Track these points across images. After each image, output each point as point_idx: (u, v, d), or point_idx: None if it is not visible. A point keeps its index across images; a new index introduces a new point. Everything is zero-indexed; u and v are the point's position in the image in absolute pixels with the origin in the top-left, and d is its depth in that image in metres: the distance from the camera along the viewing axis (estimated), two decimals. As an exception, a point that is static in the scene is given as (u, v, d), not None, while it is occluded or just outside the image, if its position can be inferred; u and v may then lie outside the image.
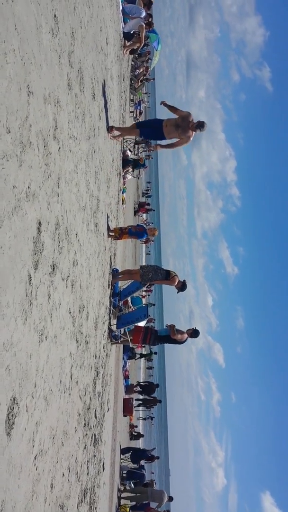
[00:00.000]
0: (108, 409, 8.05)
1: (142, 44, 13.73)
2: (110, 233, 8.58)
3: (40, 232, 3.26)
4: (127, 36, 12.74)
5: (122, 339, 9.07)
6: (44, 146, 3.45)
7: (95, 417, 6.10)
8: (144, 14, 12.75)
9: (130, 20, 12.39)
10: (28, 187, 2.99)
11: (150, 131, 7.88)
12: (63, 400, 3.99)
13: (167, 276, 8.71)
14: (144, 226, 11.05)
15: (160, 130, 7.56)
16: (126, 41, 12.96)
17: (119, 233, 8.90)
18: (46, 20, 3.69)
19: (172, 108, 7.63)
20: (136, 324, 9.44)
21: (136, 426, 20.92)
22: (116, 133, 8.57)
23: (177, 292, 8.99)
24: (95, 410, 6.11)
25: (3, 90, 2.55)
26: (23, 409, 2.79)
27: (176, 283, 8.74)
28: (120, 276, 9.30)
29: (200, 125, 7.27)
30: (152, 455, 18.78)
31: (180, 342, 8.98)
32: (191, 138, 7.50)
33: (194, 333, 8.91)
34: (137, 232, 9.68)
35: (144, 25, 12.67)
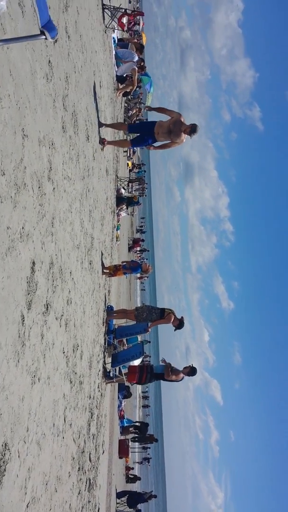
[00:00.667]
0: (103, 452, 7.82)
1: (135, 87, 14.14)
2: (105, 271, 8.59)
3: (34, 271, 3.26)
4: (120, 79, 13.15)
5: (117, 378, 8.92)
6: (39, 187, 3.50)
7: (90, 460, 5.92)
8: (136, 58, 13.18)
9: (123, 64, 12.80)
10: (22, 228, 3.01)
11: (140, 139, 7.74)
12: (56, 444, 3.88)
13: (162, 315, 8.63)
14: (139, 261, 11.06)
15: (152, 136, 7.41)
16: (119, 84, 13.37)
17: (113, 270, 8.93)
18: (40, 66, 3.81)
19: (160, 110, 7.49)
20: (130, 364, 9.31)
21: (132, 468, 20.28)
22: (109, 142, 8.60)
23: (174, 330, 8.90)
24: (90, 453, 5.94)
25: (-2, 134, 2.61)
26: (15, 454, 2.71)
27: (172, 321, 8.65)
28: (114, 314, 9.24)
29: (193, 130, 7.10)
30: (151, 494, 18.17)
31: (177, 381, 8.83)
32: (184, 141, 7.37)
33: (191, 372, 8.73)
34: (131, 267, 9.75)
35: (137, 68, 13.09)
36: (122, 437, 14.86)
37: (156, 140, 7.44)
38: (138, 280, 47.44)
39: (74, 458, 4.77)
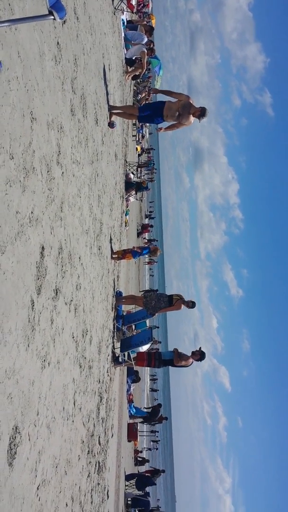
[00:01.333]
0: (112, 435, 7.90)
1: (144, 70, 13.94)
2: (113, 255, 8.60)
3: (43, 256, 3.25)
4: (129, 62, 12.97)
5: (126, 362, 8.96)
6: (48, 171, 3.47)
7: (99, 443, 5.98)
8: (145, 40, 12.98)
9: (132, 46, 12.61)
10: (31, 212, 2.99)
11: (149, 117, 7.58)
12: (66, 427, 3.91)
13: (171, 302, 8.61)
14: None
15: (161, 116, 7.27)
16: (129, 67, 13.19)
17: (122, 254, 8.98)
18: (49, 48, 3.75)
19: (167, 92, 7.35)
20: (138, 351, 9.34)
21: (141, 451, 20.52)
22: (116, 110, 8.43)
23: (189, 308, 8.90)
24: (99, 437, 5.99)
25: (7, 117, 2.58)
26: (26, 438, 2.73)
27: (181, 308, 8.61)
28: (123, 300, 9.24)
29: (202, 114, 7.01)
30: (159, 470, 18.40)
31: (185, 366, 8.85)
32: (192, 122, 7.24)
33: (200, 357, 8.73)
34: (140, 253, 9.78)
35: (146, 51, 12.90)
36: (131, 421, 15.00)
37: (165, 121, 7.36)
38: (147, 265, 47.53)
39: (83, 441, 4.82)
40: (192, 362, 8.81)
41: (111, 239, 8.44)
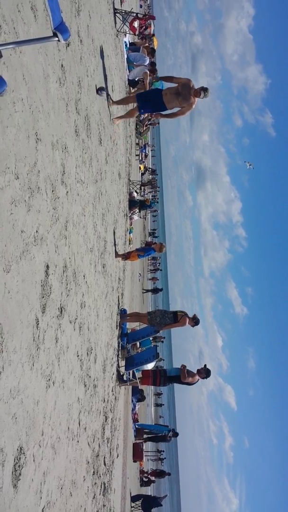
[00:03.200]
0: (118, 455, 7.80)
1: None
2: (119, 253, 8.75)
3: (48, 275, 3.26)
4: (132, 83, 13.18)
5: (131, 381, 8.89)
6: (52, 191, 3.50)
7: (104, 464, 5.90)
8: (148, 61, 13.19)
9: (135, 67, 12.83)
10: (36, 231, 3.02)
11: (149, 104, 7.28)
12: (71, 448, 3.87)
13: (175, 318, 8.57)
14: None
15: (160, 99, 6.97)
16: (131, 88, 13.40)
17: (126, 254, 9.13)
18: (53, 70, 3.82)
19: (168, 78, 7.09)
20: (144, 369, 9.27)
21: (147, 472, 20.20)
22: (115, 108, 8.17)
23: (192, 327, 8.87)
24: (104, 457, 5.92)
25: (12, 138, 2.62)
26: (30, 459, 2.70)
27: (186, 324, 8.58)
28: (128, 317, 9.22)
29: (204, 90, 6.68)
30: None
31: (191, 384, 8.77)
32: (194, 105, 6.90)
33: (206, 375, 8.66)
34: (144, 249, 9.86)
35: (148, 72, 13.11)
36: (137, 441, 14.81)
37: (165, 104, 7.01)
38: (151, 281, 47.61)
39: (88, 462, 4.76)
40: (198, 379, 8.73)
41: (116, 244, 8.47)
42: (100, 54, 7.30)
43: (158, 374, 9.02)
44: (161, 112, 7.39)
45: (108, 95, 7.76)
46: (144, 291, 29.06)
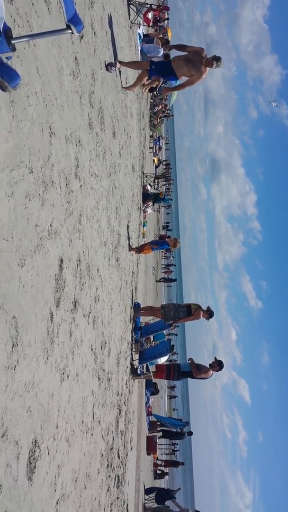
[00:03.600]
0: (131, 448, 7.84)
1: (161, 83, 14.05)
2: (132, 247, 8.75)
3: (62, 269, 3.26)
4: (146, 75, 13.09)
5: (144, 374, 8.91)
6: (66, 185, 3.50)
7: (118, 457, 5.93)
8: (162, 53, 13.08)
9: (149, 59, 12.74)
10: (50, 225, 3.01)
11: (159, 68, 6.88)
12: (85, 441, 3.89)
13: (189, 312, 8.54)
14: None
15: (169, 66, 6.56)
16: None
17: (140, 247, 9.13)
18: (67, 63, 3.80)
19: (180, 47, 6.63)
20: (157, 364, 9.29)
21: (161, 465, 20.31)
22: (123, 65, 7.48)
23: (207, 320, 8.84)
24: (118, 450, 5.95)
25: (26, 132, 2.61)
26: (45, 451, 2.72)
27: (201, 316, 8.54)
28: (142, 311, 9.23)
29: (217, 59, 6.17)
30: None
31: (205, 378, 8.76)
32: (204, 75, 6.37)
33: (219, 367, 8.65)
34: (158, 242, 9.85)
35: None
36: (150, 434, 14.87)
37: (173, 69, 6.53)
38: (165, 274, 47.55)
39: (102, 455, 4.78)
40: (212, 374, 8.71)
41: (129, 238, 8.46)
42: (114, 45, 7.24)
43: (172, 369, 9.03)
44: (171, 82, 7.14)
45: (120, 71, 7.54)
46: (159, 280, 29.12)
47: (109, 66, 6.43)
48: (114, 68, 6.69)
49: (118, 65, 7.16)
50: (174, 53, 7.03)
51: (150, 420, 14.54)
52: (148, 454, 14.41)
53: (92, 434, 4.20)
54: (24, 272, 2.49)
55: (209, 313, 8.56)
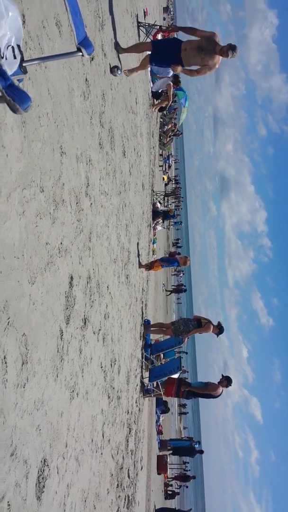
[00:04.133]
0: (142, 468, 7.74)
1: (170, 102, 14.23)
2: (142, 264, 8.75)
3: (72, 286, 3.28)
4: (155, 95, 13.27)
5: (155, 392, 8.84)
6: (77, 203, 3.54)
7: (128, 477, 5.86)
8: (171, 73, 13.28)
9: (158, 79, 12.93)
10: (61, 243, 3.04)
11: (163, 56, 6.14)
12: (95, 460, 3.85)
13: (200, 325, 8.52)
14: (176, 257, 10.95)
15: (177, 54, 5.85)
16: (155, 100, 13.49)
17: (150, 264, 9.12)
18: (78, 84, 3.88)
19: (189, 29, 5.94)
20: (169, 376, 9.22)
21: (171, 485, 19.98)
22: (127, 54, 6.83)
23: (217, 336, 8.78)
24: (128, 470, 5.87)
25: (37, 152, 2.66)
26: (54, 471, 2.70)
27: (211, 330, 8.50)
28: (152, 328, 9.20)
29: (232, 48, 5.59)
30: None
31: (215, 396, 8.67)
32: (218, 65, 5.80)
33: (228, 382, 8.55)
34: (168, 259, 9.84)
35: (172, 83, 13.19)
36: (161, 453, 14.68)
37: (182, 60, 5.88)
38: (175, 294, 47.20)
39: (112, 474, 4.73)
40: (222, 390, 8.61)
41: (139, 255, 8.48)
42: (124, 67, 7.36)
43: (183, 384, 8.95)
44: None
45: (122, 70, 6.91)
46: (168, 292, 28.90)
47: (114, 69, 6.02)
48: (119, 72, 6.34)
49: (123, 69, 6.61)
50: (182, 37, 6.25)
51: (161, 439, 14.36)
52: (159, 473, 14.19)
53: (101, 453, 4.17)
54: (34, 290, 2.51)
55: (219, 329, 8.52)
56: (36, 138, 2.65)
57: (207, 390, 8.52)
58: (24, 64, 2.19)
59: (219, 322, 8.63)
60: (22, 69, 2.16)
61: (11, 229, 2.25)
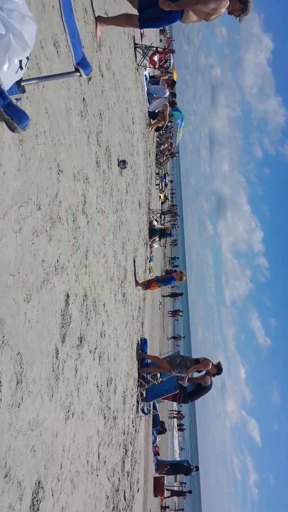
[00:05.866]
0: (138, 490, 7.59)
1: (167, 122, 14.40)
2: (139, 282, 8.69)
3: (68, 304, 3.26)
4: (152, 115, 13.45)
5: (152, 412, 8.73)
6: (73, 221, 3.54)
7: (124, 499, 5.74)
8: (167, 94, 13.48)
9: (155, 100, 13.12)
10: (57, 261, 3.04)
11: (153, 11, 4.62)
12: (90, 482, 3.78)
13: (197, 361, 8.42)
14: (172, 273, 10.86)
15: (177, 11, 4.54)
16: (151, 120, 13.65)
17: (147, 283, 9.05)
18: (75, 103, 3.92)
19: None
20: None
21: (168, 507, 19.60)
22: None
23: (213, 376, 8.53)
24: (124, 492, 5.76)
25: (34, 170, 2.67)
26: (49, 493, 2.64)
27: (209, 366, 8.32)
28: (148, 360, 9.01)
29: (246, 7, 4.37)
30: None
31: (205, 386, 8.49)
32: (223, 12, 4.37)
33: (218, 371, 8.35)
34: (164, 279, 9.79)
35: (168, 104, 13.38)
36: (157, 475, 14.44)
37: (185, 21, 4.66)
38: (171, 317, 46.90)
39: (108, 496, 4.63)
40: (211, 380, 8.40)
41: (136, 272, 8.46)
42: (121, 87, 7.47)
43: (181, 389, 8.83)
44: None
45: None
46: (161, 306, 28.74)
47: (121, 164, 6.65)
48: (126, 166, 6.94)
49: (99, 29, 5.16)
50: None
51: (158, 460, 14.14)
52: (156, 496, 13.93)
53: (97, 475, 4.09)
54: (30, 308, 2.49)
55: (218, 369, 8.34)
56: (33, 156, 2.66)
57: (201, 367, 8.28)
58: (22, 84, 2.21)
59: (219, 362, 8.45)
60: (20, 88, 2.18)
61: (7, 247, 2.24)
